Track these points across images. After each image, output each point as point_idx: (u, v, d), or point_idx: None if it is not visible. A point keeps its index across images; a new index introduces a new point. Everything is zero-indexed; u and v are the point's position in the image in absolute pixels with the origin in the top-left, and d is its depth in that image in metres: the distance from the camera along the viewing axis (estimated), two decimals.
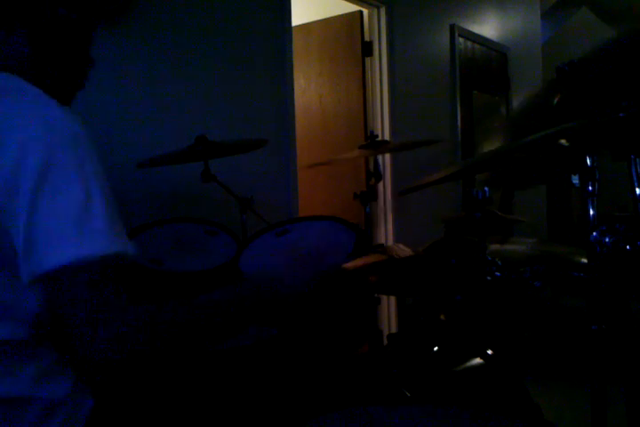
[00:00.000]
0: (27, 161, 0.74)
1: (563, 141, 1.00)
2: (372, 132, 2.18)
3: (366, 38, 3.51)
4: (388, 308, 3.46)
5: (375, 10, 3.45)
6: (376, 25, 3.46)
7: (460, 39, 4.17)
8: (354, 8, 3.47)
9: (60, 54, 0.94)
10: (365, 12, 3.49)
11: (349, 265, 1.41)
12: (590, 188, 0.99)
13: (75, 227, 0.74)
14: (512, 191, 4.73)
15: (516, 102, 4.87)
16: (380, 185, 3.41)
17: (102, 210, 0.77)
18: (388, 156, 3.42)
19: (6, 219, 0.75)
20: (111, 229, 0.77)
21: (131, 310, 0.78)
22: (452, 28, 4.06)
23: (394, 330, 3.39)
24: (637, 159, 0.95)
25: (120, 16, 2.11)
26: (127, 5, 2.11)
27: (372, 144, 2.14)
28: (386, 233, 3.48)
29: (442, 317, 1.58)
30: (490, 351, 1.38)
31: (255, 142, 2.16)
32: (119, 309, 0.77)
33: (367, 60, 3.51)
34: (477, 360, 1.38)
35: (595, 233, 0.96)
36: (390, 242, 3.43)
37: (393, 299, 3.41)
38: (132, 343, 0.76)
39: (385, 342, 1.62)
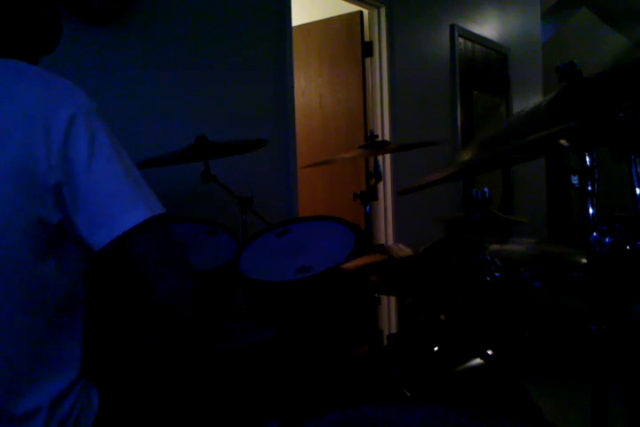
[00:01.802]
0: (75, 134, 0.82)
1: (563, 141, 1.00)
2: (372, 133, 2.18)
3: (366, 38, 3.51)
4: (388, 308, 3.46)
5: (375, 10, 3.45)
6: (376, 25, 3.46)
7: (460, 39, 4.17)
8: (354, 8, 3.47)
9: (38, 37, 1.00)
10: (365, 12, 3.49)
11: (349, 265, 1.41)
12: (590, 188, 0.99)
13: (135, 190, 0.86)
14: (512, 191, 4.73)
15: (516, 102, 4.87)
16: (380, 185, 3.41)
17: (139, 173, 0.89)
18: (388, 156, 3.42)
19: (65, 195, 0.81)
20: (152, 191, 0.90)
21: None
22: (452, 28, 4.07)
23: (394, 330, 3.39)
24: (637, 159, 0.95)
25: (120, 16, 2.11)
26: (127, 6, 2.11)
27: (372, 144, 2.14)
28: (386, 233, 3.48)
29: (442, 317, 1.58)
30: (490, 351, 1.38)
31: (255, 142, 2.15)
32: (184, 259, 0.90)
33: (367, 60, 3.51)
34: (477, 360, 1.38)
35: (595, 233, 0.96)
36: (390, 242, 3.43)
37: (393, 299, 3.41)
38: (189, 290, 0.88)
39: (385, 342, 1.62)
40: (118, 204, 0.83)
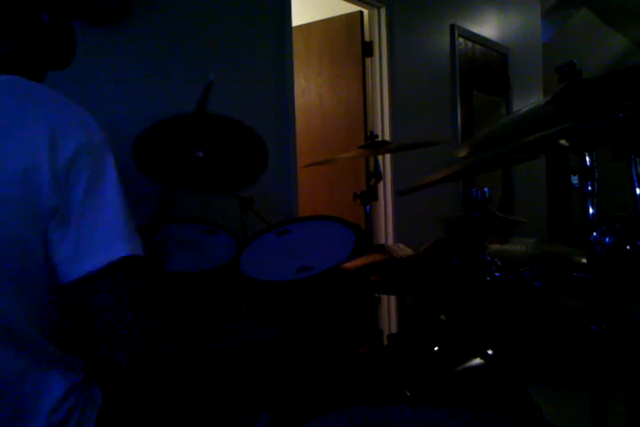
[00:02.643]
0: (77, 167, 0.80)
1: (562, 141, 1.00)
2: (372, 133, 2.18)
3: (366, 38, 3.51)
4: (388, 308, 3.46)
5: (375, 10, 3.45)
6: (376, 25, 3.46)
7: (460, 39, 4.17)
8: (354, 8, 3.47)
9: (46, 50, 0.96)
10: (365, 12, 3.49)
11: (349, 265, 1.41)
12: (590, 188, 0.99)
13: (125, 228, 0.82)
14: (512, 191, 4.73)
15: (516, 102, 4.87)
16: (380, 185, 3.41)
17: (132, 217, 0.85)
18: (388, 156, 3.42)
19: (55, 222, 0.80)
20: (137, 233, 0.85)
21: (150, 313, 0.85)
22: (452, 28, 4.07)
23: (394, 330, 3.39)
24: (637, 159, 0.95)
25: (120, 16, 2.11)
26: (127, 5, 2.11)
27: (372, 144, 2.14)
28: (386, 233, 3.48)
29: (442, 317, 1.58)
30: (490, 351, 1.38)
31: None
32: (149, 312, 0.85)
33: (367, 60, 3.51)
34: (477, 360, 1.38)
35: (595, 233, 0.96)
36: (390, 242, 3.43)
37: (393, 299, 3.41)
38: (150, 345, 0.84)
39: (385, 342, 1.62)
40: (102, 241, 0.81)
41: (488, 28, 4.56)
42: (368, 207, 2.16)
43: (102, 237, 0.81)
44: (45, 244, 0.80)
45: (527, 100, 4.98)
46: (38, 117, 0.81)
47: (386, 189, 3.46)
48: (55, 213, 0.79)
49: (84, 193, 0.80)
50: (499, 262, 1.15)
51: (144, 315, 0.84)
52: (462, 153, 1.09)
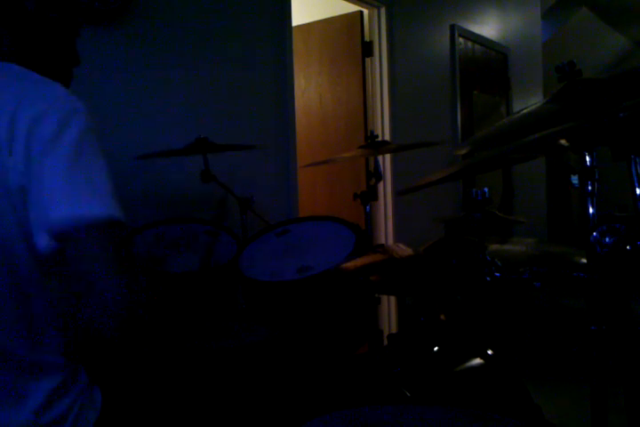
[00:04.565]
0: (41, 127, 0.78)
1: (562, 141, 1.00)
2: (372, 133, 2.18)
3: (366, 38, 3.51)
4: (388, 308, 3.46)
5: (375, 10, 3.45)
6: (376, 25, 3.46)
7: (460, 39, 4.17)
8: (354, 8, 3.47)
9: (43, 52, 0.96)
10: (365, 12, 3.49)
11: (349, 265, 1.41)
12: (590, 188, 0.99)
13: (87, 187, 0.79)
14: (512, 191, 4.73)
15: (516, 102, 4.87)
16: (380, 185, 3.41)
17: (106, 177, 0.82)
18: (388, 156, 3.42)
19: (24, 180, 0.78)
20: (114, 197, 0.82)
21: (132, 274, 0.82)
22: (452, 28, 4.06)
23: (394, 330, 3.39)
24: (637, 159, 0.95)
25: (120, 16, 2.11)
26: (127, 5, 2.11)
27: (372, 144, 2.14)
28: (386, 233, 3.48)
29: (442, 317, 1.58)
30: (490, 351, 1.38)
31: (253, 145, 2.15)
32: (125, 271, 0.81)
33: (367, 60, 3.51)
34: (477, 360, 1.38)
35: (595, 233, 0.96)
36: (390, 242, 3.43)
37: (393, 299, 3.41)
38: (134, 307, 0.81)
39: (385, 342, 1.62)
40: (66, 198, 0.78)
41: (488, 28, 4.56)
42: (368, 207, 2.16)
43: (53, 197, 0.78)
44: (21, 226, 0.79)
45: (527, 100, 4.98)
46: (8, 95, 0.81)
47: (386, 189, 3.46)
48: (21, 191, 0.78)
49: (41, 151, 0.78)
50: (499, 262, 1.15)
51: (122, 277, 0.80)
52: (462, 152, 1.09)
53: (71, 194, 0.78)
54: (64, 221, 0.77)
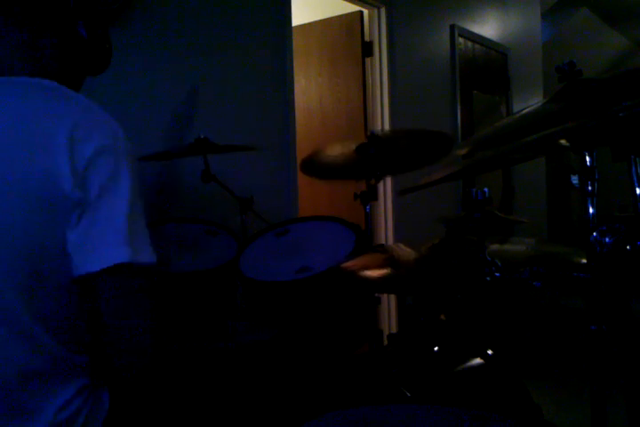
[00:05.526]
0: (95, 166, 0.81)
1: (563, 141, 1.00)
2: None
3: (366, 38, 3.51)
4: (388, 308, 3.46)
5: (375, 10, 3.45)
6: (376, 25, 3.46)
7: (460, 39, 4.17)
8: (354, 8, 3.47)
9: (84, 61, 1.00)
10: (365, 12, 3.49)
11: (349, 265, 1.41)
12: (590, 188, 0.99)
13: (130, 232, 0.83)
14: (512, 191, 4.73)
15: (516, 102, 4.87)
16: (380, 185, 3.41)
17: (144, 222, 0.86)
18: None
19: (75, 216, 0.81)
20: (150, 242, 0.86)
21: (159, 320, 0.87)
22: (452, 28, 4.06)
23: (394, 330, 3.38)
24: (637, 159, 0.95)
25: (121, 14, 2.11)
26: (128, 4, 2.11)
27: None
28: (386, 233, 3.48)
29: (442, 317, 1.58)
30: (490, 351, 1.38)
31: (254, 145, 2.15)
32: (156, 319, 0.85)
33: (367, 60, 3.51)
34: (477, 360, 1.38)
35: (595, 233, 0.96)
36: (390, 242, 3.43)
37: (393, 299, 3.40)
38: (153, 351, 0.85)
39: (385, 342, 1.62)
40: (112, 238, 0.82)
41: (488, 28, 4.56)
42: (368, 207, 2.16)
43: (106, 237, 0.81)
44: (64, 240, 0.81)
45: (527, 100, 4.98)
46: (62, 117, 0.83)
47: (386, 189, 3.46)
48: (77, 207, 0.81)
49: (100, 188, 0.81)
50: (499, 262, 1.15)
51: (150, 322, 0.85)
52: (462, 152, 1.09)
53: (134, 239, 0.83)
54: (119, 261, 0.81)
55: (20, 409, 0.80)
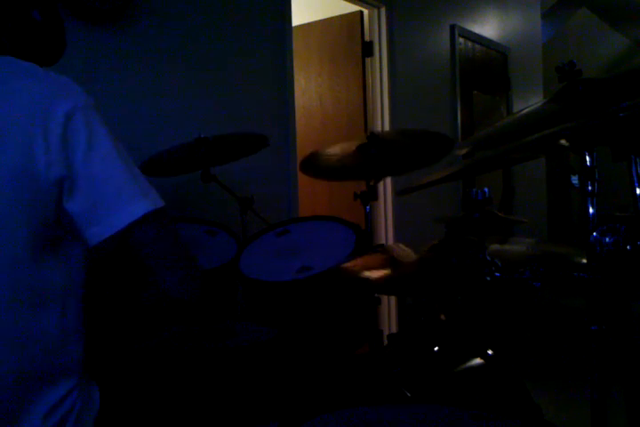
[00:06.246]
0: (74, 128, 0.81)
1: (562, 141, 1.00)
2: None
3: (366, 38, 3.51)
4: (388, 308, 3.46)
5: (375, 10, 3.45)
6: (376, 25, 3.46)
7: (460, 39, 4.17)
8: (354, 8, 3.47)
9: (37, 47, 0.97)
10: (365, 12, 3.49)
11: (349, 265, 1.41)
12: (590, 188, 0.99)
13: (134, 184, 0.85)
14: (512, 191, 4.73)
15: (516, 102, 4.87)
16: (380, 185, 3.41)
17: (137, 169, 0.88)
18: None
19: (65, 188, 0.81)
20: (151, 186, 0.88)
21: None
22: (452, 28, 4.06)
23: (394, 330, 3.39)
24: (637, 159, 0.95)
25: (120, 15, 2.11)
26: (127, 5, 2.11)
27: None
28: (386, 233, 3.48)
29: (442, 317, 1.58)
30: (490, 351, 1.38)
31: (257, 139, 2.14)
32: (188, 251, 0.90)
33: (367, 60, 3.51)
34: (477, 360, 1.38)
35: (595, 233, 0.96)
36: (390, 242, 3.43)
37: (393, 299, 3.40)
38: (196, 281, 0.90)
39: (385, 342, 1.62)
40: (117, 197, 0.83)
41: (488, 28, 4.56)
42: (368, 207, 2.16)
43: (117, 199, 0.83)
44: (59, 216, 0.82)
45: (527, 100, 4.98)
46: (26, 87, 0.82)
47: (386, 189, 3.46)
48: (62, 183, 0.80)
49: (84, 153, 0.81)
50: (499, 262, 1.15)
51: (188, 251, 0.90)
52: (462, 152, 1.09)
53: (135, 192, 0.85)
54: (127, 219, 0.82)
55: (5, 415, 0.79)
